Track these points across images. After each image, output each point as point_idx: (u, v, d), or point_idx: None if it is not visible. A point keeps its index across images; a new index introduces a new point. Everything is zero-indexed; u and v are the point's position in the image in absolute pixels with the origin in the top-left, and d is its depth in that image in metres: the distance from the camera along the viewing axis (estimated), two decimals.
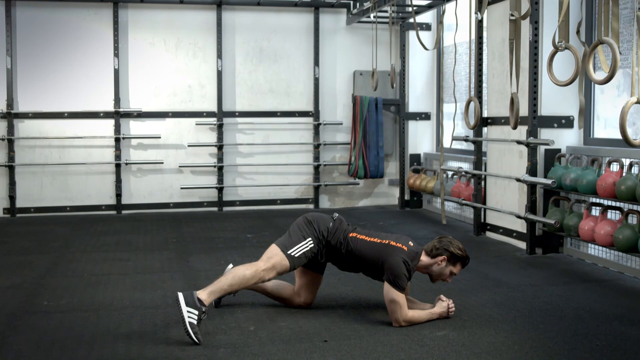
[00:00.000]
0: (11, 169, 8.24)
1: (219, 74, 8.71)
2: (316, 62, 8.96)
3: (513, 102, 5.34)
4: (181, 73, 8.70)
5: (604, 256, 5.45)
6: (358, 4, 8.38)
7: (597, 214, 5.24)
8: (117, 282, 4.95)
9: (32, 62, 8.32)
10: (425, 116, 9.10)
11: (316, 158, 9.00)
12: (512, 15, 5.05)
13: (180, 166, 8.67)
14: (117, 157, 8.46)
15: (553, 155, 5.89)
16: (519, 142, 5.91)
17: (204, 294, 3.70)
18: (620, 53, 4.27)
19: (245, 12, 8.83)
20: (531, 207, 5.89)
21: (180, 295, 3.63)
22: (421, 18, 8.79)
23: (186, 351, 3.46)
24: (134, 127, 8.56)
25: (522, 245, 6.15)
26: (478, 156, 6.80)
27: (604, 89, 5.78)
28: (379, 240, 3.96)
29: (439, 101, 8.70)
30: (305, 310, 4.18)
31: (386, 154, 9.06)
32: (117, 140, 8.46)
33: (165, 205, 8.69)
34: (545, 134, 5.93)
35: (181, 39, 8.67)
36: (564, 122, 6.00)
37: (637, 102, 3.96)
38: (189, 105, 8.74)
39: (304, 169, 9.06)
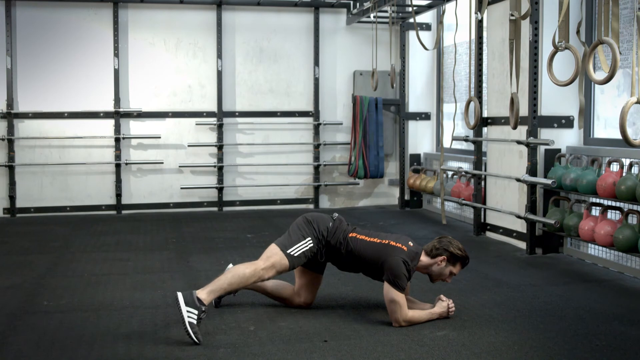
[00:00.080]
0: (11, 169, 8.24)
1: (219, 74, 8.71)
2: (316, 62, 8.96)
3: (513, 102, 5.34)
4: (181, 73, 8.70)
5: (604, 256, 5.45)
6: (358, 4, 8.38)
7: (597, 214, 5.24)
8: (117, 282, 4.95)
9: (32, 62, 8.32)
10: (425, 116, 9.10)
11: (316, 158, 9.00)
12: (512, 15, 5.05)
13: (180, 166, 8.67)
14: (117, 157, 8.46)
15: (553, 155, 5.89)
16: (519, 142, 5.91)
17: (204, 293, 3.70)
18: (620, 53, 4.27)
19: (245, 12, 8.83)
20: (531, 207, 5.89)
21: (180, 295, 3.63)
22: (421, 18, 8.79)
23: (186, 351, 3.46)
24: (134, 127, 8.57)
25: (522, 245, 6.15)
26: (478, 156, 6.80)
27: (604, 89, 5.78)
28: (378, 240, 3.96)
29: (439, 101, 8.70)
30: (305, 310, 4.18)
31: (386, 154, 9.06)
32: (117, 140, 8.46)
33: (165, 205, 8.69)
34: (545, 134, 5.93)
35: (181, 39, 8.67)
36: (564, 122, 6.00)
37: (637, 102, 3.96)
38: (189, 105, 8.74)
39: (304, 169, 9.06)
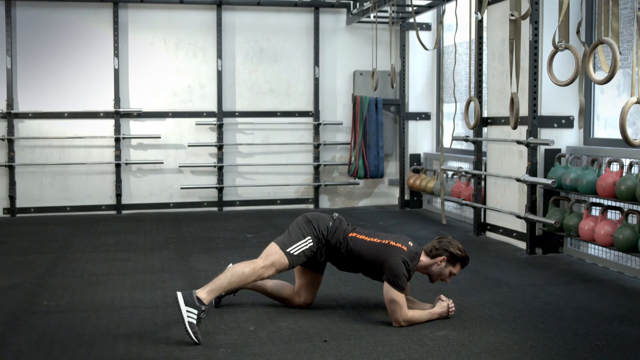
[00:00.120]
0: (11, 169, 8.24)
1: (219, 74, 8.71)
2: (316, 62, 8.96)
3: (513, 102, 5.34)
4: (181, 73, 8.70)
5: (604, 256, 5.45)
6: (358, 4, 8.38)
7: (597, 214, 5.24)
8: (117, 282, 4.95)
9: (32, 62, 8.32)
10: (425, 116, 9.10)
11: (316, 158, 9.00)
12: (512, 15, 5.05)
13: (180, 166, 8.67)
14: (117, 157, 8.46)
15: (553, 155, 5.89)
16: (519, 142, 5.91)
17: (203, 293, 3.70)
18: (620, 53, 4.27)
19: (245, 12, 8.83)
20: (531, 207, 5.89)
21: (180, 294, 3.63)
22: (421, 18, 8.79)
23: (186, 351, 3.46)
24: (134, 127, 8.57)
25: (522, 245, 6.15)
26: (478, 156, 6.80)
27: (604, 89, 5.78)
28: (378, 240, 3.96)
29: (439, 101, 8.70)
30: (305, 310, 4.18)
31: (386, 154, 9.06)
32: (117, 140, 8.46)
33: (165, 205, 8.69)
34: (545, 134, 5.93)
35: (181, 39, 8.67)
36: (564, 122, 6.00)
37: (637, 102, 3.95)
38: (189, 105, 8.74)
39: (304, 169, 9.06)
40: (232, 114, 8.82)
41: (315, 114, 8.99)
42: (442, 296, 4.03)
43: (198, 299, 3.63)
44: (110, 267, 5.44)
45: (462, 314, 4.07)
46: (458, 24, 6.13)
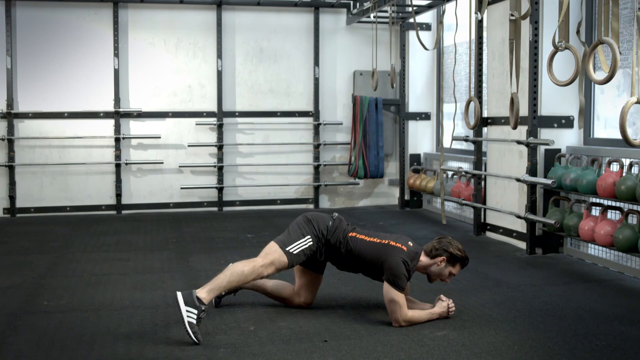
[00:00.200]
0: (11, 169, 8.24)
1: (219, 74, 8.71)
2: (316, 62, 8.96)
3: (513, 102, 5.34)
4: (181, 73, 8.70)
5: (604, 256, 5.45)
6: (358, 4, 8.38)
7: (597, 214, 5.24)
8: (117, 282, 4.95)
9: (32, 62, 8.32)
10: (425, 116, 9.10)
11: (316, 158, 9.00)
12: (512, 15, 5.05)
13: (180, 166, 8.67)
14: (117, 157, 8.46)
15: (553, 155, 5.89)
16: (519, 142, 5.91)
17: (203, 292, 3.70)
18: (620, 53, 4.27)
19: (245, 12, 8.83)
20: (531, 207, 5.89)
21: (179, 294, 3.63)
22: (421, 18, 8.79)
23: (186, 351, 3.46)
24: (134, 127, 8.57)
25: (522, 245, 6.15)
26: (478, 156, 6.80)
27: (604, 89, 5.78)
28: (378, 240, 3.96)
29: (439, 101, 8.70)
30: (305, 310, 4.18)
31: (386, 154, 9.06)
32: (117, 140, 8.46)
33: (165, 205, 8.69)
34: (545, 134, 5.93)
35: (181, 39, 8.67)
36: (564, 122, 6.00)
37: (637, 102, 3.95)
38: (189, 105, 8.74)
39: (304, 169, 9.06)
40: (232, 114, 8.82)
41: (315, 114, 8.99)
42: (442, 296, 4.03)
43: (198, 298, 3.63)
44: (110, 267, 5.44)
45: (462, 314, 4.07)
46: (458, 24, 6.13)
